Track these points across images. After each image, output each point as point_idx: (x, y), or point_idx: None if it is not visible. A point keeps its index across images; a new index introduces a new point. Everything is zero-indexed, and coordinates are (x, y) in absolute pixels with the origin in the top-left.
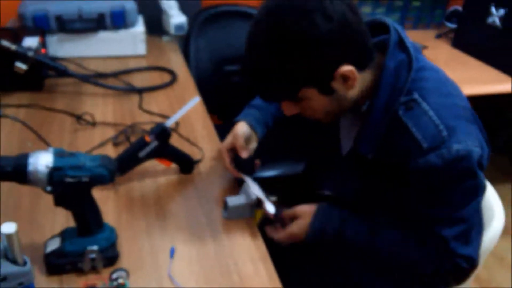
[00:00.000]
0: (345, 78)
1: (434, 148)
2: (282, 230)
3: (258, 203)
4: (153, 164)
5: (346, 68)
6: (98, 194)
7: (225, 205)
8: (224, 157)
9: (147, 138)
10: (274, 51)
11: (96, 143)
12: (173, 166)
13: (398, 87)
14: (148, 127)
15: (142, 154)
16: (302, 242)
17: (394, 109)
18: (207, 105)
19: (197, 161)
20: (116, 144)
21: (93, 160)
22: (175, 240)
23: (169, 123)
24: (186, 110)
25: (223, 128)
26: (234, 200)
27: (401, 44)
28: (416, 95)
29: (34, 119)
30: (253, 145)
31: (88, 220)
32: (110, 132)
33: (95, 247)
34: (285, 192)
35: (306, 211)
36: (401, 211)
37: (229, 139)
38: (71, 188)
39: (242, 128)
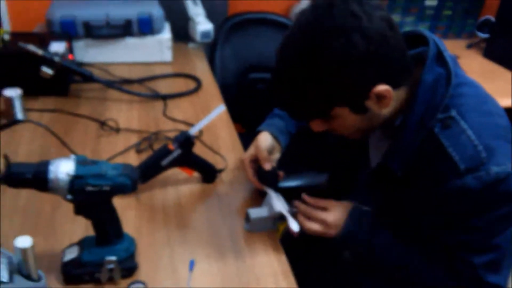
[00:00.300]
0: (380, 97)
1: (471, 170)
2: (314, 220)
3: (281, 216)
4: (176, 172)
5: (382, 88)
6: (119, 202)
7: (247, 217)
8: (247, 169)
9: (171, 146)
10: (309, 69)
11: (120, 149)
12: (196, 175)
13: (434, 103)
14: (171, 135)
15: (164, 162)
16: (330, 238)
17: (429, 126)
18: (231, 113)
19: (220, 170)
20: (139, 151)
21: (115, 169)
22: (195, 252)
23: (193, 131)
24: (210, 119)
25: (246, 137)
26: (257, 213)
27: (440, 57)
28: (454, 113)
29: (58, 125)
30: (276, 156)
31: (108, 229)
32: (133, 139)
33: (113, 258)
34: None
35: (339, 206)
36: (426, 231)
37: (251, 150)
38: (92, 196)
39: (265, 138)
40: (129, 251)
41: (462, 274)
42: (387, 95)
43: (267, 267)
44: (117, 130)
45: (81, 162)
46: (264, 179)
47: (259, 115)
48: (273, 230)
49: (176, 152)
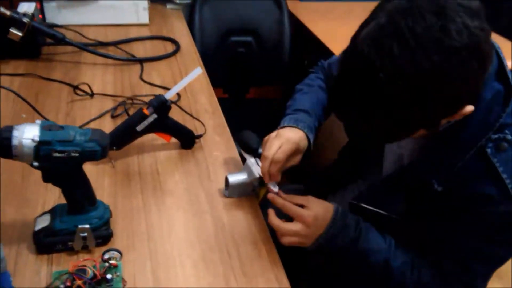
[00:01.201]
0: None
1: None
2: (284, 222)
3: (261, 181)
4: (153, 138)
5: (469, 109)
6: (93, 168)
7: (226, 183)
8: (267, 167)
9: (146, 111)
10: (432, 86)
11: (94, 115)
12: (174, 140)
13: (488, 121)
14: (148, 99)
15: (140, 127)
16: (303, 248)
17: (480, 145)
18: (211, 78)
19: (198, 136)
20: (114, 117)
21: (84, 134)
22: (173, 219)
23: (169, 95)
24: (186, 82)
25: (228, 102)
26: (236, 178)
27: (501, 72)
28: (510, 136)
29: (30, 89)
30: (298, 158)
31: (79, 197)
32: (109, 104)
33: (86, 226)
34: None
35: (319, 203)
36: (440, 236)
37: (275, 147)
38: (59, 163)
39: (298, 136)
40: (103, 219)
41: (455, 281)
42: (465, 114)
43: (247, 234)
44: (91, 94)
45: (47, 127)
46: (246, 147)
47: (241, 80)
48: (253, 195)
49: (152, 117)
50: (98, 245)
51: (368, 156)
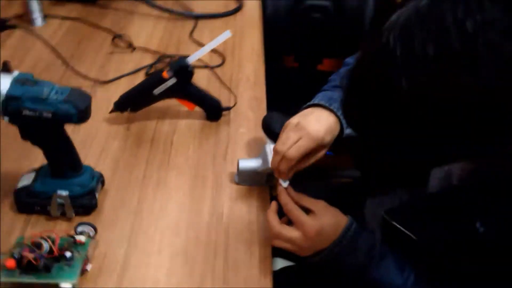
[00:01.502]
0: None
1: None
2: (282, 224)
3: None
4: (177, 104)
5: None
6: (106, 128)
7: (237, 168)
8: (277, 162)
9: (165, 74)
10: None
11: (130, 70)
12: (199, 110)
13: None
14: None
15: (157, 91)
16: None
17: None
18: (282, 44)
19: (227, 108)
20: (149, 75)
21: (60, 93)
22: (169, 200)
23: (192, 59)
24: (212, 46)
25: (297, 72)
26: (247, 164)
27: None
28: None
29: (75, 35)
30: (321, 154)
31: (60, 160)
32: (148, 60)
33: (64, 193)
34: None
35: (327, 225)
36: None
37: (290, 141)
38: (32, 123)
39: (320, 131)
40: (86, 187)
41: None
42: None
43: (244, 231)
44: (132, 47)
45: (21, 80)
46: (267, 128)
47: (313, 49)
48: (267, 187)
49: (170, 82)
50: (79, 215)
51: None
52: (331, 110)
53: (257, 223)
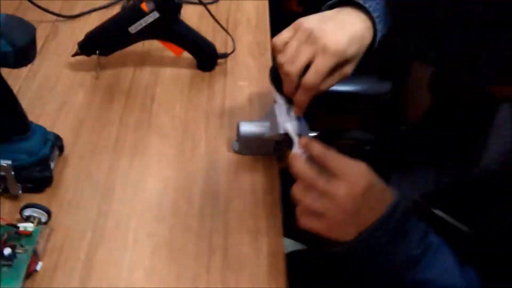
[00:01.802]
0: None
1: None
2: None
3: (289, 140)
4: (161, 47)
5: None
6: (68, 75)
7: (237, 132)
8: (291, 89)
9: (144, 6)
10: None
11: (102, 3)
12: (188, 57)
13: None
14: None
15: (134, 29)
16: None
17: None
18: None
19: (223, 55)
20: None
21: None
22: (148, 173)
23: None
24: None
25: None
26: (250, 127)
27: None
28: None
29: None
30: (347, 69)
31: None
32: None
33: (5, 162)
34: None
35: (371, 194)
36: None
37: (300, 62)
38: None
39: (342, 42)
40: (36, 155)
41: None
42: None
43: (249, 215)
44: None
45: None
46: (277, 81)
47: None
48: (273, 157)
49: (151, 16)
50: (28, 191)
51: (462, 134)
52: (363, 9)
53: (264, 206)
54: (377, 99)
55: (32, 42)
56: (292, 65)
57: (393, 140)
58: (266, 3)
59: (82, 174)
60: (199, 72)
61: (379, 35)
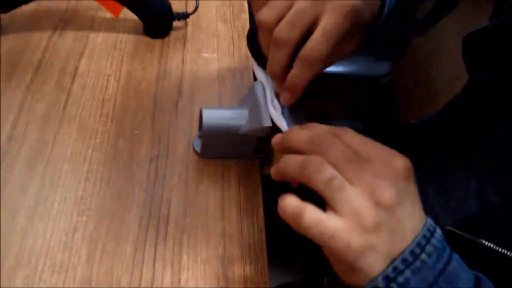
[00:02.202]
0: None
1: None
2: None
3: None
4: (92, 5)
5: None
6: None
7: (200, 125)
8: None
9: None
10: None
11: None
12: (131, 17)
13: None
14: None
15: None
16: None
17: None
18: None
19: (182, 15)
20: None
21: None
22: (59, 180)
23: None
24: None
25: None
26: (219, 117)
27: None
28: None
29: None
30: (353, 43)
31: None
32: None
33: None
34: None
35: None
36: None
37: (305, 21)
38: None
39: None
40: None
41: None
42: None
43: (213, 252)
44: None
45: None
46: (257, 50)
47: None
48: (254, 162)
49: None
50: None
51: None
52: None
53: (247, 228)
54: (372, 82)
55: None
56: (288, 27)
57: (402, 137)
58: None
59: None
60: (146, 39)
61: (387, 5)
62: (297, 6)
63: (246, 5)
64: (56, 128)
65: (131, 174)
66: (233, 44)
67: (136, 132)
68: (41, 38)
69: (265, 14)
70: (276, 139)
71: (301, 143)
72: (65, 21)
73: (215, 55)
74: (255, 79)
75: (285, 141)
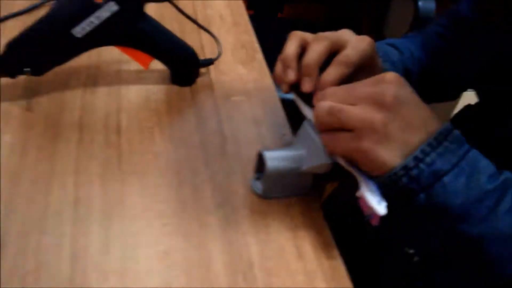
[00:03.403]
0: None
1: None
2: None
3: (335, 168)
4: (116, 59)
5: None
6: None
7: (258, 166)
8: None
9: None
10: None
11: (23, 5)
12: (156, 68)
13: None
14: None
15: (80, 31)
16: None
17: None
18: None
19: (208, 62)
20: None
21: None
22: (133, 237)
23: None
24: None
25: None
26: (279, 159)
27: None
28: None
29: None
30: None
31: None
32: None
33: None
34: None
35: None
36: None
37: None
38: None
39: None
40: None
41: None
42: None
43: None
44: None
45: None
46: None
47: None
48: (314, 197)
49: (107, 10)
50: None
51: None
52: None
53: (322, 276)
54: None
55: None
56: (322, 35)
57: None
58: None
59: (24, 266)
60: (175, 87)
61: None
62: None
63: (257, 45)
64: (118, 186)
65: (203, 223)
66: (256, 84)
67: (196, 182)
68: (74, 96)
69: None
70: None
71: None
72: (92, 77)
73: (244, 97)
74: (289, 116)
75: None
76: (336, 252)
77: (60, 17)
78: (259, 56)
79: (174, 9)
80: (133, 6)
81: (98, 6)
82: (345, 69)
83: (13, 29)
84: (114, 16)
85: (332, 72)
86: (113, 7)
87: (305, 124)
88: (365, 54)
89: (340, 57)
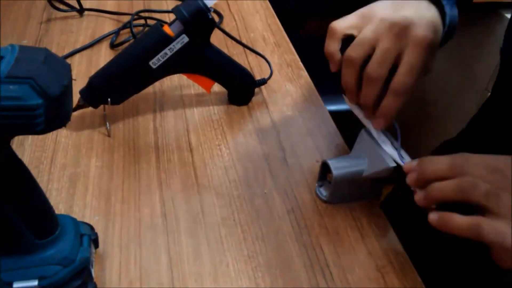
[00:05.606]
0: None
1: None
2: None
3: (396, 171)
4: (179, 83)
5: None
6: (72, 140)
7: (321, 174)
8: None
9: (167, 29)
10: None
11: (83, 42)
12: (214, 89)
13: None
14: (169, 17)
15: (156, 62)
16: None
17: None
18: None
19: (261, 82)
20: (115, 46)
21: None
22: (221, 245)
23: (211, 1)
24: None
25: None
26: (343, 167)
27: None
28: None
29: None
30: (427, 69)
31: (14, 221)
32: (108, 26)
33: (31, 284)
34: None
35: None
36: None
37: (391, 56)
38: None
39: (428, 17)
40: (73, 263)
41: None
42: None
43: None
44: (80, 10)
45: None
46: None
47: (294, 9)
48: (374, 200)
49: (179, 42)
50: None
51: None
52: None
53: (376, 253)
54: None
55: (69, 86)
56: (377, 66)
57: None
58: (275, 18)
59: (129, 274)
60: (233, 107)
61: (449, 16)
62: (382, 46)
63: (301, 63)
64: (198, 199)
65: (278, 229)
66: (306, 100)
67: (265, 192)
68: (147, 121)
69: (353, 52)
70: (411, 174)
71: (442, 170)
72: (160, 103)
73: (296, 112)
74: (339, 125)
75: (423, 171)
76: (401, 249)
77: (139, 52)
78: (304, 73)
79: (221, 34)
80: (202, 36)
81: (171, 39)
82: (403, 99)
83: (80, 62)
84: (185, 47)
85: (390, 104)
86: (184, 39)
87: (363, 133)
88: (422, 66)
89: (394, 85)
